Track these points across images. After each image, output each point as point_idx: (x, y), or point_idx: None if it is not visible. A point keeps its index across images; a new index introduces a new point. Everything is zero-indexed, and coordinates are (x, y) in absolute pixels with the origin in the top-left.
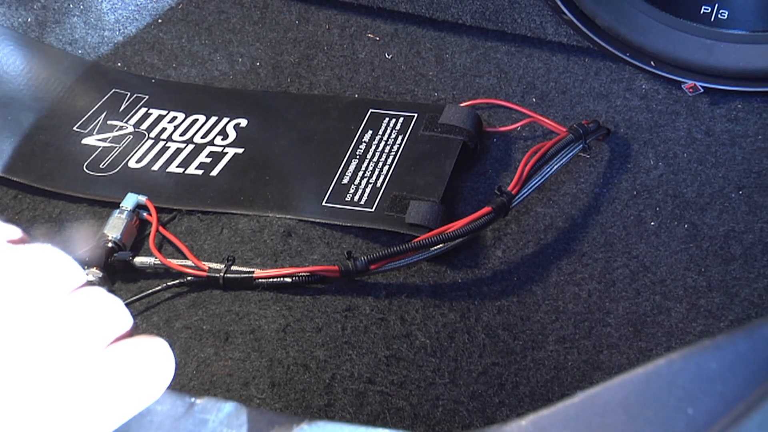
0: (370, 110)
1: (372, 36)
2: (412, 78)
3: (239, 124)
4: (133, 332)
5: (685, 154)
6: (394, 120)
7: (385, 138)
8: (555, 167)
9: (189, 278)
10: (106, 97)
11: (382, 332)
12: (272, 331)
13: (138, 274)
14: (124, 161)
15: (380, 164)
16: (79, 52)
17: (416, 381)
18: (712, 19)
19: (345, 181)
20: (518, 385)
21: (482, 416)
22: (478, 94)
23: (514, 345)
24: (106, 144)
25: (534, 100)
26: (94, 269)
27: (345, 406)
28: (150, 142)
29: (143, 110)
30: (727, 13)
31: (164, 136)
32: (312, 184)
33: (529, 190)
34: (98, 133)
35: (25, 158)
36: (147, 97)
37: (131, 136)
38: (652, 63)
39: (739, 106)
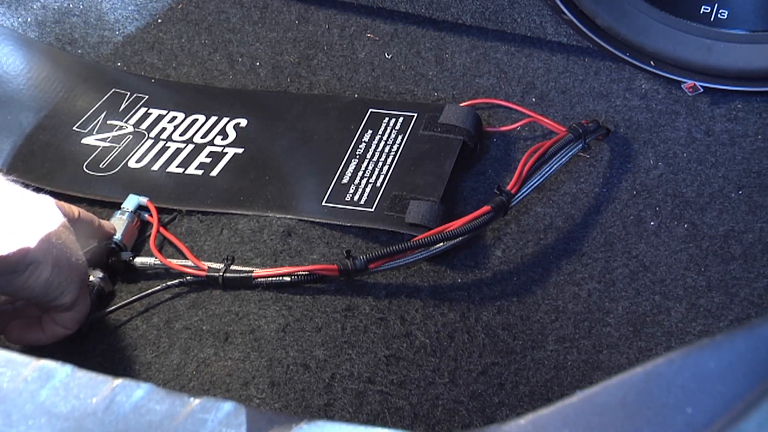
0: (370, 110)
1: (372, 36)
2: (411, 78)
3: (239, 124)
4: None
5: (685, 154)
6: (393, 120)
7: (384, 138)
8: (554, 167)
9: (188, 278)
10: (105, 97)
11: (382, 332)
12: (272, 331)
13: (138, 274)
14: (124, 161)
15: (380, 164)
16: (79, 52)
17: (416, 381)
18: (712, 18)
19: (345, 180)
20: (518, 385)
21: (482, 416)
22: (477, 94)
23: (514, 345)
24: (106, 144)
25: (534, 99)
26: (95, 269)
27: (345, 406)
28: (150, 141)
29: (143, 110)
30: (726, 12)
31: (164, 136)
32: (312, 184)
33: (529, 190)
34: (98, 132)
35: (25, 158)
36: (147, 96)
37: (131, 136)
38: (651, 63)
39: (739, 106)
